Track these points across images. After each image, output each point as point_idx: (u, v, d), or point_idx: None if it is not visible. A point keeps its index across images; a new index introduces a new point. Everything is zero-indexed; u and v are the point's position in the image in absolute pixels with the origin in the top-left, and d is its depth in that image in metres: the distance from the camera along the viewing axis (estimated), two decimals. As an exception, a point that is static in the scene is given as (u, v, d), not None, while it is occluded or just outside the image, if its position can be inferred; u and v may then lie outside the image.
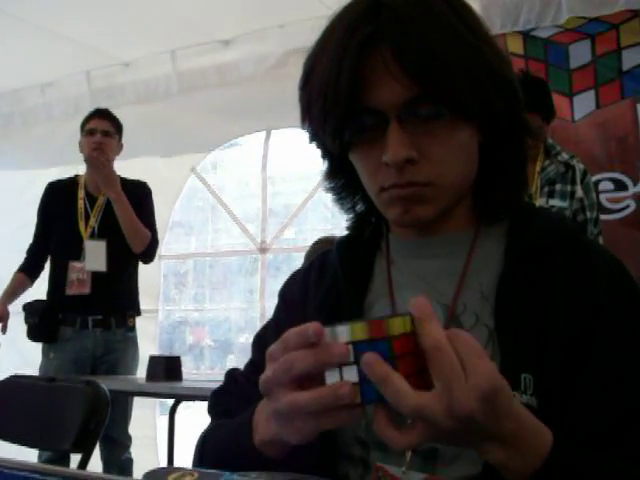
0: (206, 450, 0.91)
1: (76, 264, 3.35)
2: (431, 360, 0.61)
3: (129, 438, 3.40)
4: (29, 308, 3.40)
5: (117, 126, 3.50)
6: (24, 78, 4.95)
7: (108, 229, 3.41)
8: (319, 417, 0.63)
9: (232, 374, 1.03)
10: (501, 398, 0.62)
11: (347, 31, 0.81)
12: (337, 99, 0.81)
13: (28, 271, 3.53)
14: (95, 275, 3.34)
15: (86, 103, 4.79)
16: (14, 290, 3.53)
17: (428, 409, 0.60)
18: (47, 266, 3.52)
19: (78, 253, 3.36)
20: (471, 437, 0.63)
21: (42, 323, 3.32)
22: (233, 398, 0.97)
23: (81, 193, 3.47)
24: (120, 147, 3.51)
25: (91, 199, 3.48)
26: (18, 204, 4.70)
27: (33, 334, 3.38)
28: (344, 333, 0.61)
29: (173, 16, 4.02)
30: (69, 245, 3.39)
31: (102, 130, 3.43)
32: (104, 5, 3.83)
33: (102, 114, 3.50)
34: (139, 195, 3.55)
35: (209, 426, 0.96)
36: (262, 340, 1.01)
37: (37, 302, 3.42)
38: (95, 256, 3.36)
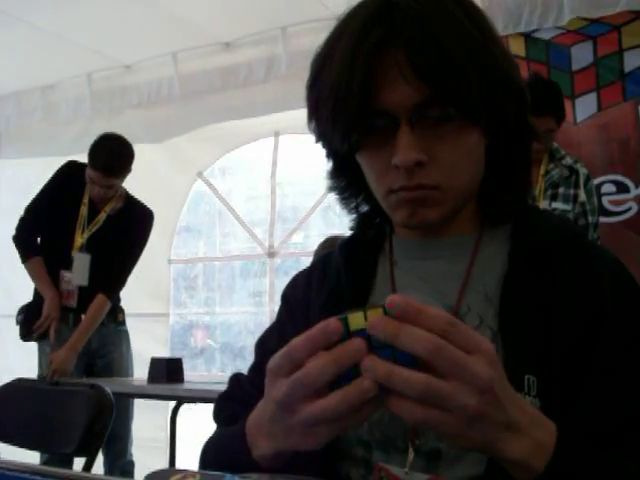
0: (208, 461, 0.91)
1: (66, 274, 3.33)
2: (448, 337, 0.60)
3: (127, 431, 3.39)
4: (18, 311, 3.41)
5: (123, 173, 3.32)
6: (25, 80, 4.96)
7: (97, 244, 3.37)
8: (343, 419, 0.63)
9: (236, 378, 1.03)
10: (500, 366, 0.63)
11: (360, 33, 0.80)
12: (348, 100, 0.80)
13: (39, 253, 3.37)
14: (80, 288, 3.34)
15: (87, 106, 4.82)
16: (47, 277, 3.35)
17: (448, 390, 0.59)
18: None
19: (69, 262, 3.33)
20: (490, 426, 0.62)
21: (29, 319, 3.31)
22: (237, 403, 0.97)
23: (86, 198, 3.38)
24: (127, 174, 3.38)
25: (92, 207, 3.40)
26: (18, 207, 4.71)
27: (23, 333, 3.36)
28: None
29: (174, 18, 4.02)
30: (62, 252, 3.34)
31: (104, 185, 3.28)
32: (105, 8, 3.84)
33: (109, 171, 3.24)
34: (137, 224, 3.48)
35: (211, 435, 0.96)
36: (265, 344, 1.02)
37: (29, 304, 3.40)
38: (81, 270, 3.33)
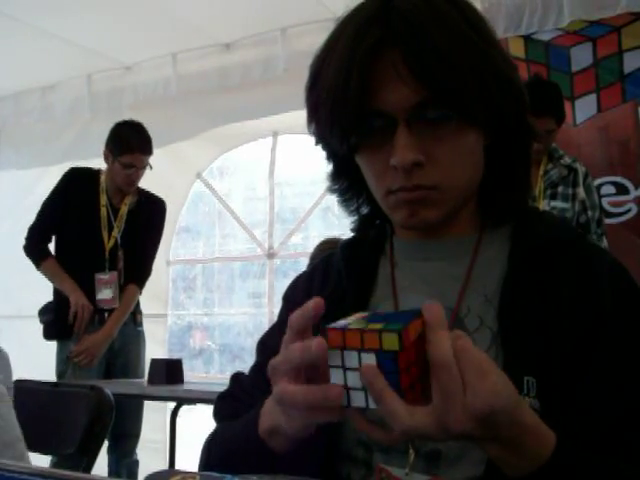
0: (213, 450, 0.91)
1: (102, 276, 3.36)
2: (434, 375, 0.61)
3: (138, 430, 3.42)
4: (42, 309, 3.42)
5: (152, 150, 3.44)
6: (25, 81, 4.96)
7: (127, 240, 3.44)
8: (308, 412, 0.65)
9: (237, 378, 1.03)
10: (500, 417, 0.61)
11: (357, 34, 0.81)
12: (346, 102, 0.81)
13: (51, 254, 3.41)
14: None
15: (87, 106, 4.82)
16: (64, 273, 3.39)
17: (421, 429, 0.60)
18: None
19: (102, 264, 3.36)
20: (476, 441, 0.64)
21: (58, 318, 3.32)
22: (238, 402, 0.97)
23: (103, 199, 3.42)
24: None
25: (112, 208, 3.45)
26: (19, 208, 4.72)
27: (50, 332, 3.38)
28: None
29: (174, 19, 4.02)
30: (92, 255, 3.36)
31: (142, 166, 3.39)
32: (105, 8, 3.84)
33: (146, 149, 3.37)
34: (154, 214, 3.58)
35: (215, 428, 0.96)
36: (266, 344, 1.02)
37: (49, 303, 3.42)
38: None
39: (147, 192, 3.61)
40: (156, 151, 4.73)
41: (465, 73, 0.79)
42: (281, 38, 4.13)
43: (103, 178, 3.47)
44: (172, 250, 5.39)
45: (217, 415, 1.00)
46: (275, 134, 5.06)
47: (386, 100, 0.81)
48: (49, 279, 3.41)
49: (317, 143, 0.93)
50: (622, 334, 0.81)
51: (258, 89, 4.29)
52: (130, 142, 3.35)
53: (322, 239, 3.48)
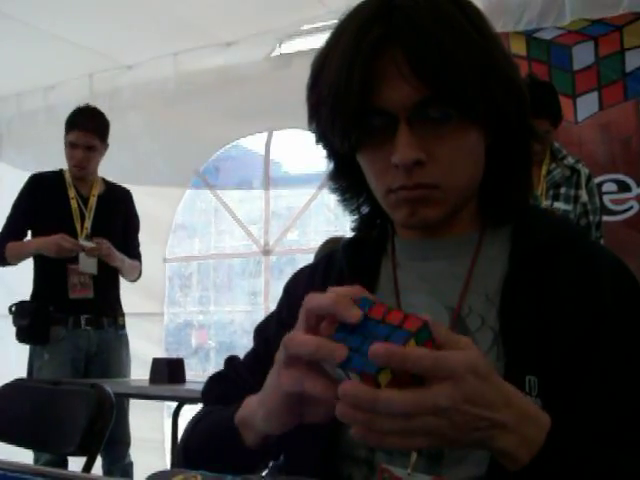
0: (191, 436, 0.92)
1: (76, 267, 3.33)
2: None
3: (126, 436, 3.39)
4: (18, 310, 3.35)
5: (102, 134, 3.40)
6: (26, 81, 4.98)
7: (101, 230, 3.41)
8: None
9: (232, 361, 1.03)
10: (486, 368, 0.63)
11: (359, 32, 0.81)
12: (347, 99, 0.81)
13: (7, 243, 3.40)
14: (94, 277, 3.36)
15: (89, 106, 4.84)
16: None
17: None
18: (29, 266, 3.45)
19: (75, 255, 3.33)
20: (475, 427, 0.62)
21: (34, 324, 3.27)
22: (230, 384, 0.98)
23: (72, 192, 3.42)
24: (105, 147, 3.45)
25: (82, 199, 3.45)
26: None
27: (24, 336, 3.33)
28: None
29: (174, 19, 4.04)
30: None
31: (85, 146, 3.36)
32: (106, 8, 3.86)
33: (90, 128, 3.35)
34: (127, 204, 3.60)
35: (199, 412, 0.96)
36: (263, 331, 1.02)
37: (25, 303, 3.37)
38: (88, 258, 3.35)
39: (112, 183, 3.62)
40: (153, 147, 4.74)
41: (467, 72, 0.79)
42: (281, 38, 4.13)
43: (68, 174, 3.48)
44: (168, 248, 5.37)
45: (206, 395, 1.01)
46: (270, 130, 5.05)
47: (388, 98, 0.81)
48: (22, 256, 3.40)
49: (318, 142, 0.92)
50: (623, 332, 0.81)
51: (258, 88, 4.30)
52: (75, 119, 3.37)
53: (320, 239, 3.46)
